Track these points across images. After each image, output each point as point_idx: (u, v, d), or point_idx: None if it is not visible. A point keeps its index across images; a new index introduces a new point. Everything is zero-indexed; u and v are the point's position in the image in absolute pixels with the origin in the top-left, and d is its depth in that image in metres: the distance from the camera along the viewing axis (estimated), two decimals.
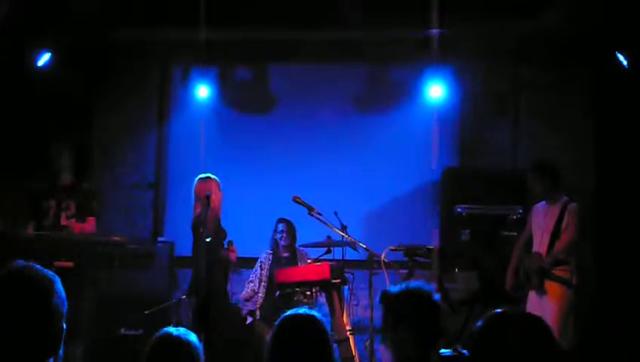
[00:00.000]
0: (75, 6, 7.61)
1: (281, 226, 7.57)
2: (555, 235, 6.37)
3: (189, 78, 8.49)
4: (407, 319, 3.12)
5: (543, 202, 6.60)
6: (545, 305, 6.25)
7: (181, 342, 2.97)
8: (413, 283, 3.25)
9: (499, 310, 2.49)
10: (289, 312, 3.17)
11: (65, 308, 2.35)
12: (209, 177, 6.80)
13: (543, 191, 6.51)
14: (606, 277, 7.78)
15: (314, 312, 3.14)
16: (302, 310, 3.16)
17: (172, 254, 8.01)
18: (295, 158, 8.79)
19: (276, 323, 3.13)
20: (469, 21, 8.06)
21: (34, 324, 2.25)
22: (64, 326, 2.35)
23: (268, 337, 3.13)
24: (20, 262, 2.34)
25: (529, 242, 6.66)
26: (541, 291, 6.29)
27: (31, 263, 2.35)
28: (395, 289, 3.23)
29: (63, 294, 2.35)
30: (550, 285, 6.28)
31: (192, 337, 3.02)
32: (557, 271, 6.28)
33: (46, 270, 2.35)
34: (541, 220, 6.52)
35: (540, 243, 6.46)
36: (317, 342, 3.04)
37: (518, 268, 6.57)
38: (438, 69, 8.14)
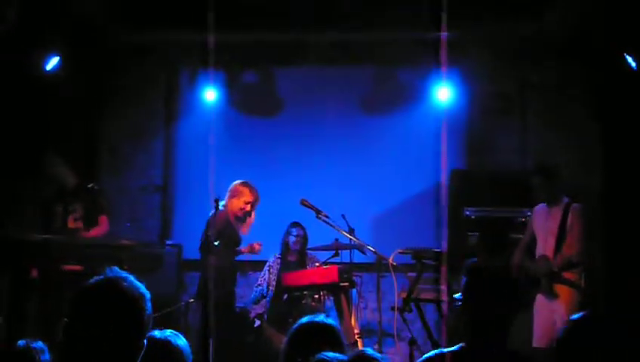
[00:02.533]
0: (83, 10, 7.63)
1: (295, 230, 7.56)
2: (560, 237, 6.30)
3: (197, 82, 8.51)
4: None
5: (543, 204, 6.54)
6: (554, 309, 6.21)
7: (164, 346, 2.93)
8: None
9: (582, 313, 2.53)
10: (305, 319, 3.15)
11: (151, 325, 2.34)
12: (243, 183, 7.03)
13: (549, 193, 6.45)
14: (614, 278, 7.75)
15: (331, 321, 3.12)
16: (320, 318, 3.15)
17: (180, 257, 8.03)
18: (302, 161, 8.79)
19: (292, 328, 3.11)
20: (475, 23, 8.05)
21: (125, 335, 2.24)
22: (145, 343, 2.34)
23: (282, 342, 3.11)
24: (116, 271, 2.32)
25: (531, 246, 6.60)
26: (551, 295, 6.23)
27: (126, 274, 2.33)
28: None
29: (151, 311, 2.33)
30: (559, 288, 6.22)
31: (180, 341, 2.98)
32: (566, 274, 6.24)
33: (138, 283, 2.33)
34: (544, 222, 6.46)
35: (544, 246, 6.39)
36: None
37: (520, 272, 6.50)
38: (445, 71, 8.13)
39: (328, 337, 3.05)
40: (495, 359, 3.11)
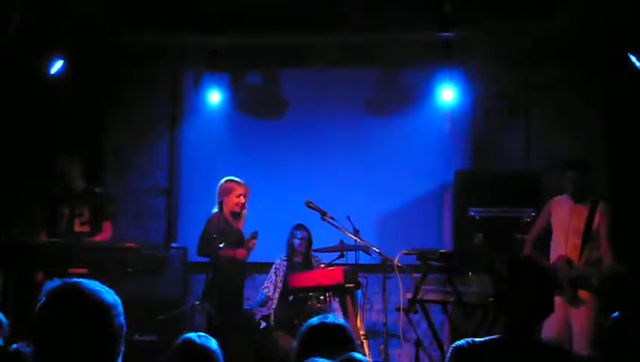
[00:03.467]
0: (87, 12, 7.64)
1: (299, 233, 7.57)
2: (587, 237, 6.16)
3: (201, 84, 8.51)
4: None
5: (564, 197, 6.40)
6: (570, 312, 6.13)
7: (204, 350, 2.97)
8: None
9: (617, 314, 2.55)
10: (316, 320, 3.14)
11: (124, 332, 2.34)
12: (229, 180, 7.16)
13: (581, 189, 6.28)
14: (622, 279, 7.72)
15: (341, 321, 3.12)
16: (330, 318, 3.14)
17: (185, 260, 8.04)
18: (307, 163, 8.80)
19: (302, 329, 3.10)
20: (480, 24, 8.05)
21: (94, 341, 2.24)
22: (120, 349, 2.34)
23: (288, 344, 3.12)
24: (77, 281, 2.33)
25: (542, 238, 6.51)
26: (574, 301, 6.09)
27: (96, 281, 2.34)
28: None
29: (123, 319, 2.34)
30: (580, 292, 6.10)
31: (213, 344, 3.02)
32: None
33: (106, 289, 2.34)
34: (565, 218, 6.31)
35: (565, 244, 6.25)
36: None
37: None
38: (449, 71, 8.12)
39: (339, 337, 3.04)
40: (533, 351, 3.12)
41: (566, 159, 6.74)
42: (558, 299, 6.10)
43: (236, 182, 7.21)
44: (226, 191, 7.16)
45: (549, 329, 6.08)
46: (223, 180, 7.22)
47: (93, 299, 2.28)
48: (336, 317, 3.15)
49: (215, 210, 7.04)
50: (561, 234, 6.32)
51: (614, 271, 6.04)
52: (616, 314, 2.68)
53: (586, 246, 6.15)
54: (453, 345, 3.16)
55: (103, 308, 2.28)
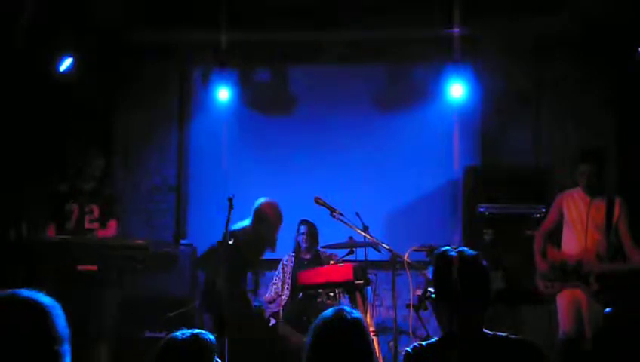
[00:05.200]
0: (96, 10, 7.65)
1: (302, 228, 7.59)
2: (609, 230, 6.08)
3: (210, 81, 8.50)
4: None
5: (578, 190, 6.32)
6: (579, 297, 6.09)
7: (194, 341, 2.95)
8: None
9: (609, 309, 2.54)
10: (328, 313, 3.08)
11: (65, 333, 2.37)
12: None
13: (597, 180, 6.20)
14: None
15: (357, 313, 3.07)
16: (346, 309, 3.08)
17: (194, 257, 8.03)
18: (316, 159, 8.78)
19: (316, 322, 3.05)
20: (488, 19, 8.03)
21: (35, 345, 2.28)
22: (64, 350, 2.36)
23: (298, 340, 3.09)
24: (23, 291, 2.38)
25: (554, 232, 6.46)
26: (599, 297, 5.90)
27: (33, 291, 2.39)
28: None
29: (63, 321, 2.37)
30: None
31: (207, 335, 2.99)
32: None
33: (46, 297, 2.39)
34: (582, 212, 6.22)
35: (584, 238, 6.16)
36: (360, 347, 2.96)
37: (549, 264, 6.28)
38: (458, 68, 8.10)
39: (355, 329, 3.00)
40: (477, 345, 3.10)
41: (579, 150, 6.65)
42: (567, 293, 6.14)
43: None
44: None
45: (564, 315, 6.07)
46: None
47: (29, 303, 2.33)
48: (352, 309, 3.09)
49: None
50: (579, 228, 6.23)
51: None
52: (608, 309, 2.66)
53: (610, 241, 6.09)
54: (405, 350, 3.18)
55: (41, 312, 2.33)
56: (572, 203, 6.33)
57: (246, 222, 6.51)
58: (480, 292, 3.16)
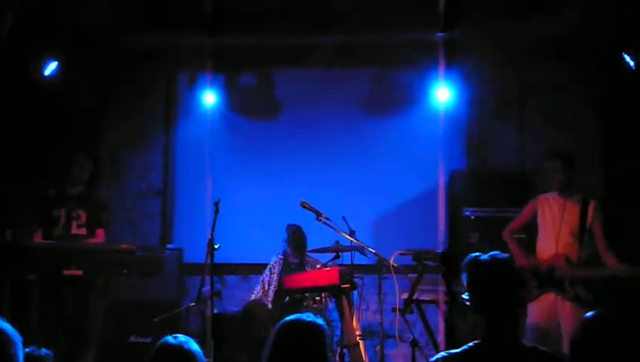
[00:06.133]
0: (82, 14, 7.63)
1: (285, 234, 7.57)
2: (582, 233, 6.04)
3: (196, 85, 8.50)
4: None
5: (553, 193, 6.28)
6: (561, 311, 6.03)
7: (182, 351, 2.94)
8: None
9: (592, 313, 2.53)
10: (290, 318, 3.13)
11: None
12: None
13: (566, 181, 6.16)
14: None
15: (317, 319, 3.10)
16: (304, 316, 3.12)
17: (181, 261, 8.03)
18: (302, 163, 8.77)
19: (276, 327, 3.10)
20: (474, 23, 8.06)
21: None
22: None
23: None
24: None
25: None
26: (579, 302, 5.91)
27: None
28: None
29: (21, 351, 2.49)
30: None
31: (193, 345, 2.98)
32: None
33: (7, 325, 2.50)
34: (555, 214, 6.19)
35: (556, 241, 6.13)
36: (313, 352, 3.01)
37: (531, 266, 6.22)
38: (444, 71, 8.13)
39: (311, 336, 3.03)
40: (512, 356, 3.06)
41: (549, 151, 6.60)
42: (549, 297, 6.11)
43: None
44: None
45: (535, 331, 6.03)
46: None
47: None
48: (315, 316, 3.12)
49: None
50: (551, 231, 6.21)
51: (626, 272, 5.87)
52: (591, 313, 2.66)
53: (583, 244, 6.07)
54: (430, 360, 3.13)
55: (5, 341, 2.44)
56: (547, 206, 6.30)
57: None
58: (515, 297, 3.15)
